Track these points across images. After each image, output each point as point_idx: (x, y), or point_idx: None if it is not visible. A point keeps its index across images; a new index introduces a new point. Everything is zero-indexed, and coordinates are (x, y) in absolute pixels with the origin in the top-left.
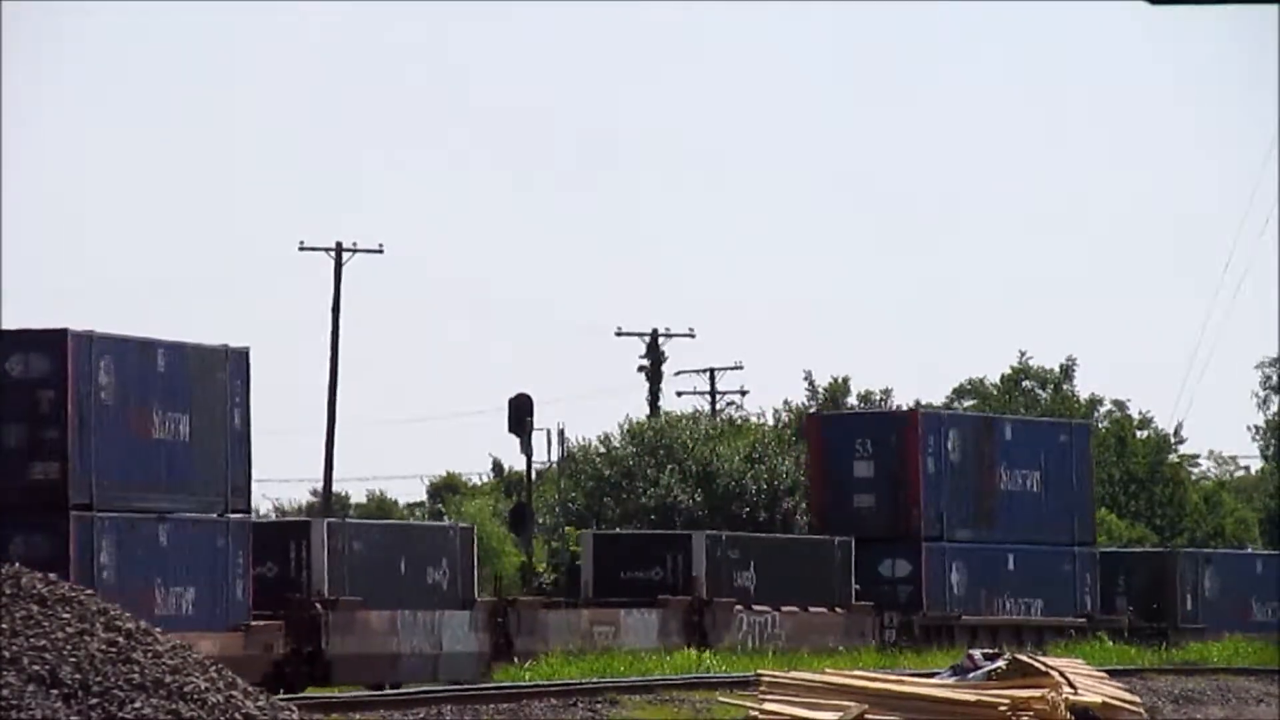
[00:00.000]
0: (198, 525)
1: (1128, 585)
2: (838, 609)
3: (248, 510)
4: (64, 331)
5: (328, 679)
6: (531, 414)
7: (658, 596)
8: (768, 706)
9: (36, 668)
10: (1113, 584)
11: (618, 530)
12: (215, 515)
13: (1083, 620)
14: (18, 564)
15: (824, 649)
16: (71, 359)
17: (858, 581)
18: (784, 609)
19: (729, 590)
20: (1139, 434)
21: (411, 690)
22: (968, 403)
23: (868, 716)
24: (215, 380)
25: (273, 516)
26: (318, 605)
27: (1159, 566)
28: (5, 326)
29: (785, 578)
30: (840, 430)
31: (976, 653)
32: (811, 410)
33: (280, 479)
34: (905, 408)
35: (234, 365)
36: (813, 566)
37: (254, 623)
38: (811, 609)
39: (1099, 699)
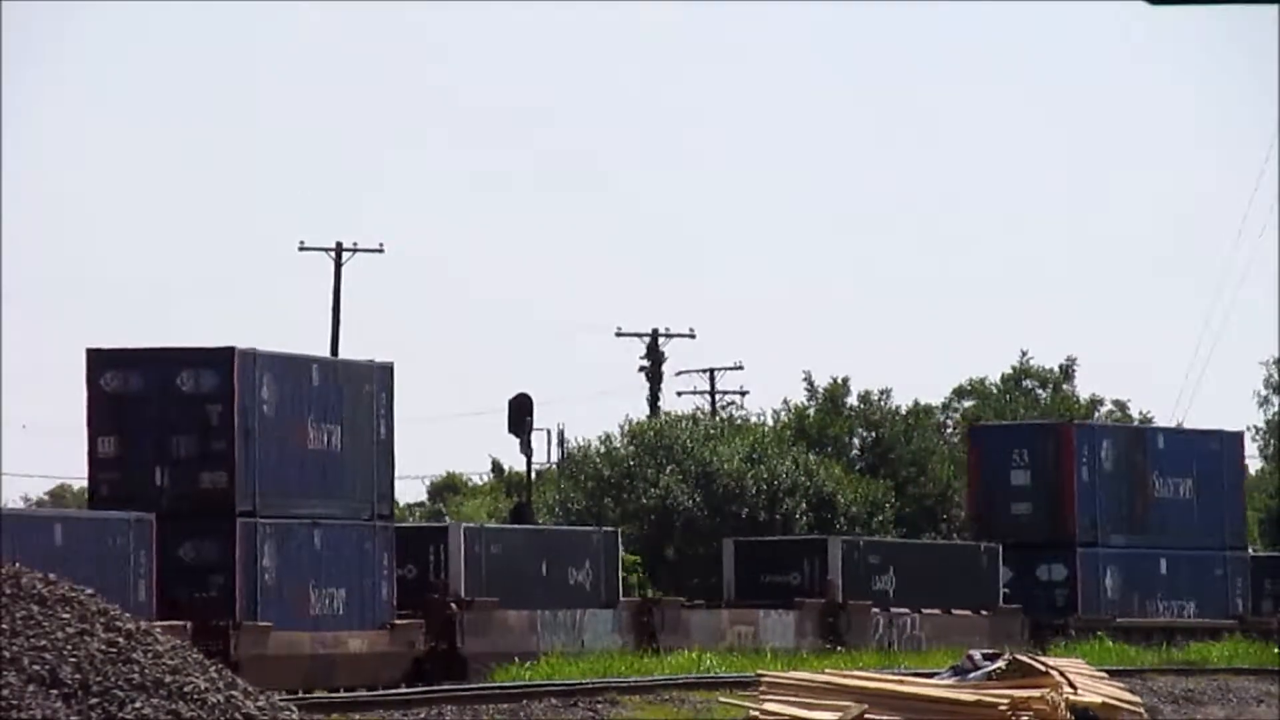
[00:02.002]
0: (347, 530)
1: (1274, 588)
2: (983, 611)
3: (391, 515)
4: (231, 350)
5: (464, 676)
6: (531, 414)
7: (794, 599)
8: (767, 706)
9: (36, 668)
10: (1261, 587)
11: (758, 537)
12: (363, 520)
13: (1233, 622)
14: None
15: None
16: (237, 375)
17: (1014, 585)
18: (924, 611)
19: (866, 593)
20: None
21: (412, 690)
22: (968, 403)
23: (867, 716)
24: (363, 393)
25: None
26: (453, 605)
27: None
28: (169, 344)
29: (927, 582)
30: (998, 440)
31: (976, 653)
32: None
33: None
34: (1057, 420)
35: (379, 378)
36: (957, 571)
37: (397, 622)
38: (954, 611)
39: (1099, 699)
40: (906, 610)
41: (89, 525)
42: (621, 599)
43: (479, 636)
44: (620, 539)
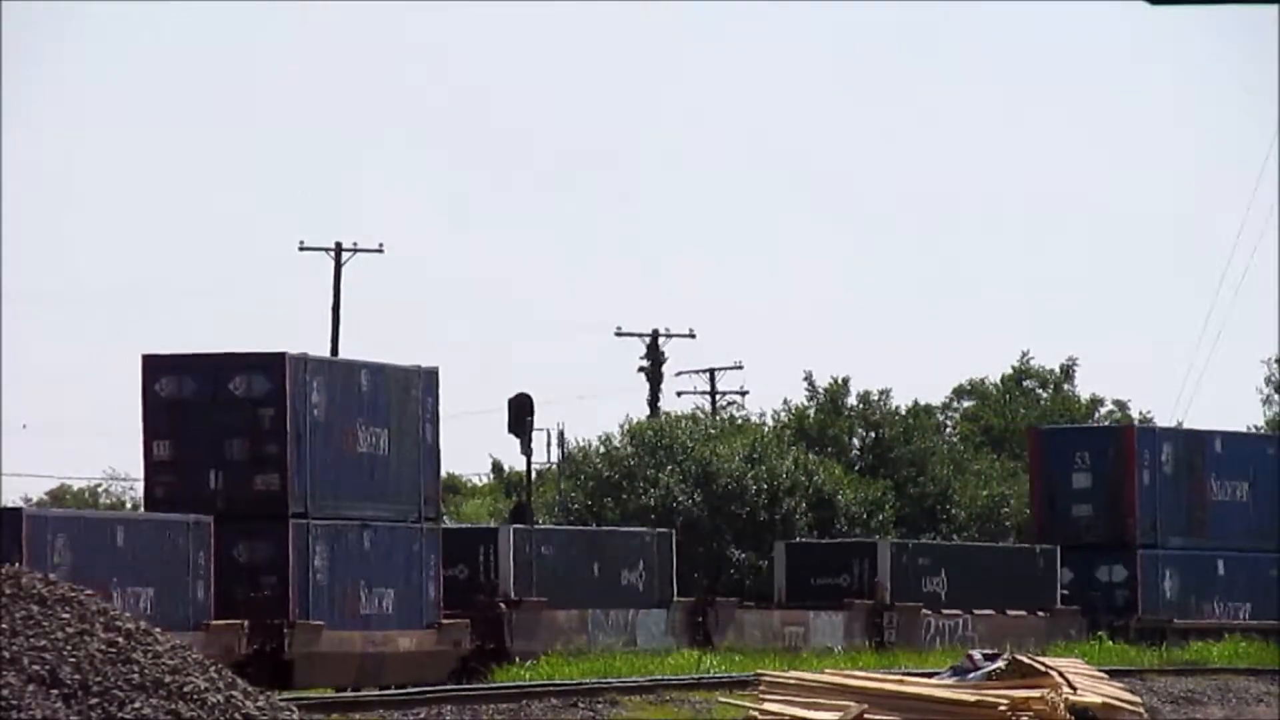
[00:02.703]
0: (395, 531)
1: None
2: (1040, 612)
3: (437, 517)
4: (282, 355)
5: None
6: (531, 414)
7: (843, 600)
8: (767, 706)
9: (36, 668)
10: None
11: (809, 540)
12: (410, 521)
13: None
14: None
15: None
16: (289, 380)
17: (1074, 586)
18: (978, 612)
19: (917, 595)
20: None
21: (412, 690)
22: (968, 403)
23: (867, 716)
24: (410, 397)
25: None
26: (501, 605)
27: None
28: (222, 350)
29: (981, 583)
30: (1060, 444)
31: (976, 653)
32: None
33: None
34: (1117, 422)
35: (426, 383)
36: (1013, 573)
37: (444, 621)
38: (1010, 612)
39: (1099, 699)
40: (958, 612)
41: (150, 527)
42: (675, 599)
43: (528, 636)
44: (674, 540)
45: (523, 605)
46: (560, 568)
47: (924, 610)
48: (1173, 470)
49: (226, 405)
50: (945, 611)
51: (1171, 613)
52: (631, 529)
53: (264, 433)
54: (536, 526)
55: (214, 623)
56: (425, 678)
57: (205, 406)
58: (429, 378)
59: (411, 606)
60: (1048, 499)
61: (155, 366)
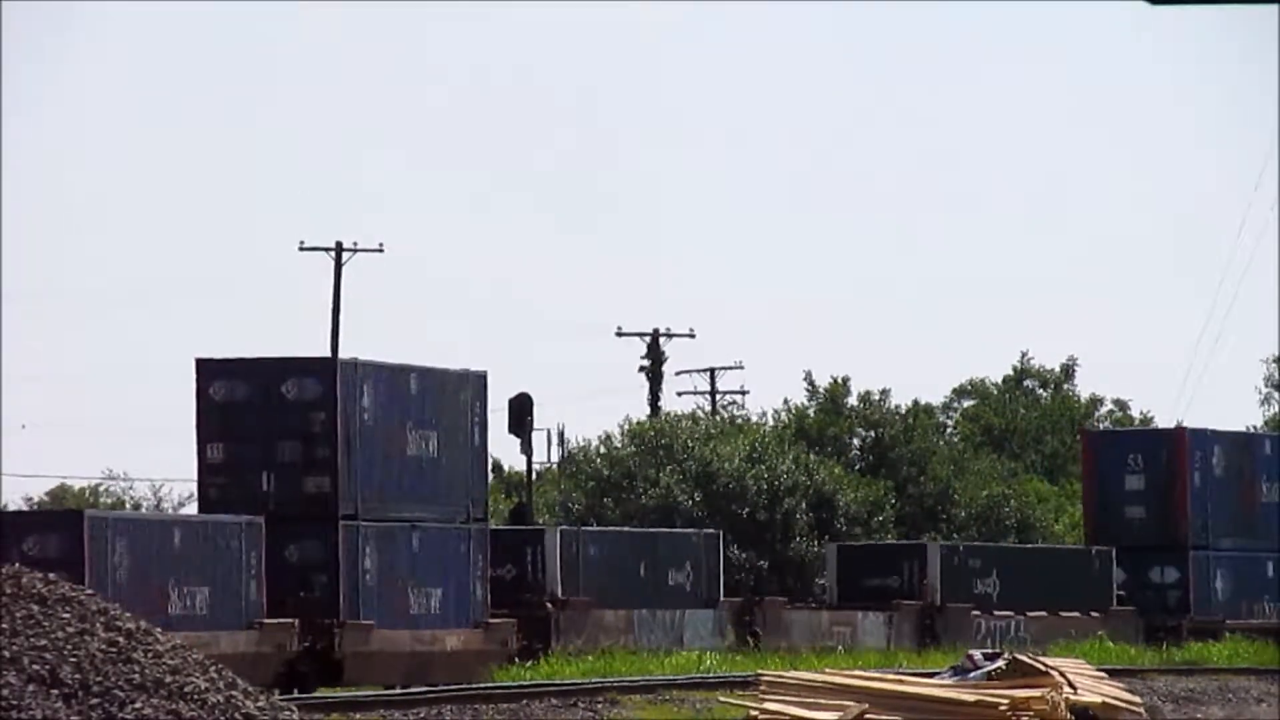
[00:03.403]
0: (444, 532)
1: None
2: (1094, 613)
3: (485, 518)
4: (333, 359)
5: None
6: (531, 414)
7: (892, 601)
8: (768, 706)
9: (37, 668)
10: None
11: (861, 542)
12: (459, 523)
13: None
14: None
15: None
16: (339, 383)
17: (1126, 587)
18: (1030, 614)
19: (967, 596)
20: None
21: (412, 690)
22: (968, 403)
23: (868, 716)
24: (459, 401)
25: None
26: (548, 604)
27: None
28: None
29: (1033, 585)
30: (1113, 446)
31: (976, 653)
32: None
33: None
34: (1167, 425)
35: (474, 387)
36: (1067, 574)
37: (491, 621)
38: (1063, 613)
39: (1099, 699)
40: (1010, 613)
41: (205, 528)
42: (723, 598)
43: (574, 635)
44: (722, 541)
45: (570, 605)
46: (608, 568)
47: (974, 611)
48: (1223, 472)
49: (278, 408)
50: (997, 613)
51: (1223, 613)
52: (680, 530)
53: (315, 436)
54: (583, 528)
55: (266, 621)
56: (472, 676)
57: (257, 410)
58: (478, 381)
59: (459, 606)
60: (1101, 501)
61: (208, 370)
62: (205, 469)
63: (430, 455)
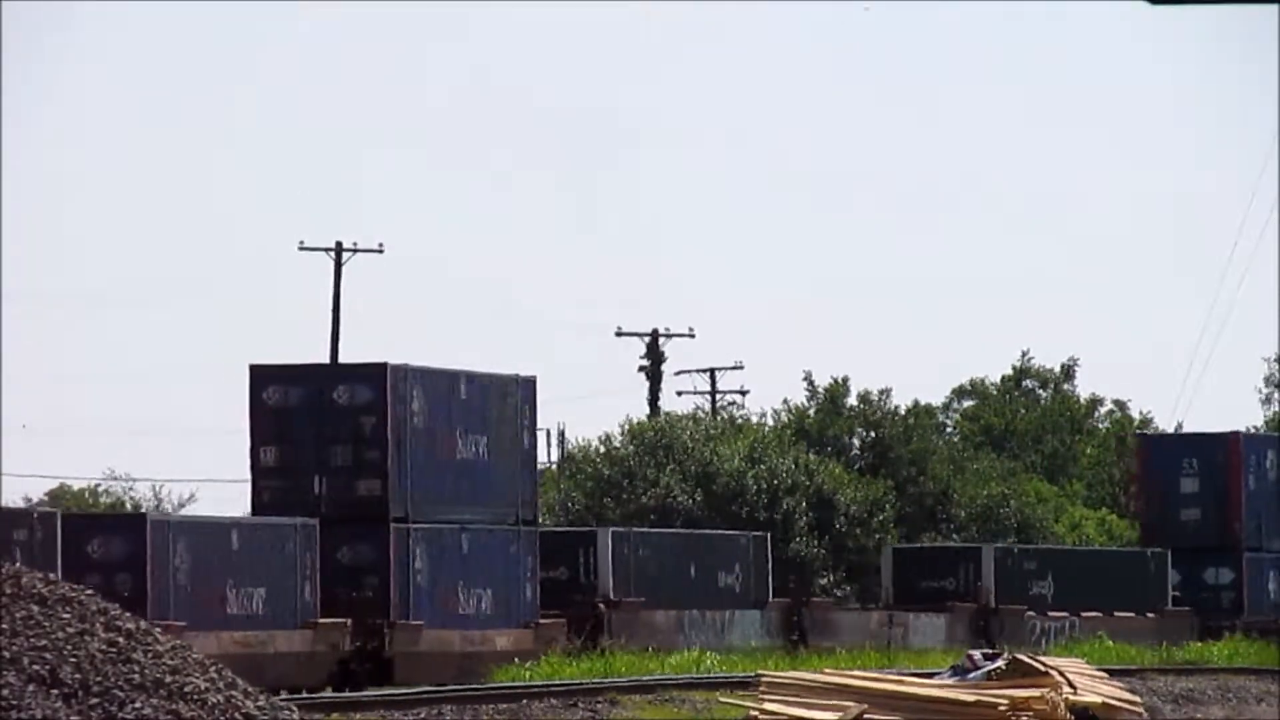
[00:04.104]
0: (494, 534)
1: None
2: (1149, 614)
3: (535, 521)
4: (384, 365)
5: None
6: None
7: (947, 603)
8: (768, 706)
9: (37, 668)
10: None
11: (917, 545)
12: (508, 525)
13: None
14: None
15: None
16: (390, 388)
17: (1180, 588)
18: (1084, 615)
19: (1022, 598)
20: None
21: (412, 690)
22: (968, 403)
23: (867, 716)
24: (508, 405)
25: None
26: (600, 605)
27: None
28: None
29: (1088, 586)
30: (1167, 450)
31: (976, 653)
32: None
33: None
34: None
35: (524, 391)
36: (1122, 575)
37: (541, 621)
38: (1118, 614)
39: (1099, 699)
40: (1065, 614)
41: (262, 530)
42: (771, 599)
43: (626, 635)
44: (769, 543)
45: (621, 606)
46: (658, 569)
47: (1029, 612)
48: (1277, 475)
49: (330, 413)
50: (1051, 614)
51: (1275, 614)
52: (728, 532)
53: (365, 439)
54: (633, 530)
55: (320, 621)
56: (523, 674)
57: (310, 414)
58: (527, 386)
59: (509, 607)
60: (1156, 504)
61: (262, 376)
62: (258, 472)
63: (480, 458)
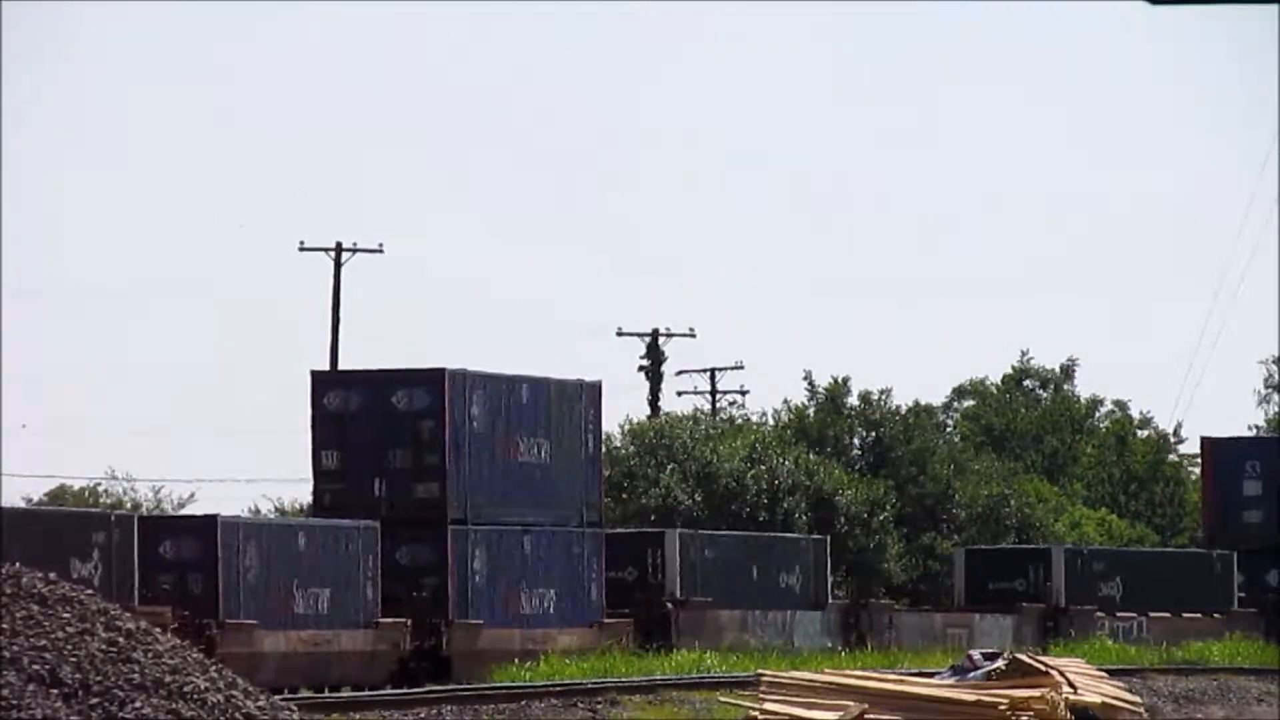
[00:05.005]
0: (557, 535)
1: None
2: (1215, 614)
3: (600, 522)
4: (442, 370)
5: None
6: None
7: (1016, 604)
8: (768, 706)
9: (37, 667)
10: None
11: (985, 546)
12: (572, 526)
13: None
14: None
15: None
16: (448, 394)
17: (1244, 589)
18: (1153, 615)
19: (1091, 598)
20: (1139, 434)
21: (412, 690)
22: (968, 403)
23: (868, 716)
24: (573, 409)
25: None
26: (669, 604)
27: None
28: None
29: (1156, 587)
30: (1231, 453)
31: (976, 653)
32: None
33: (280, 479)
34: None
35: (588, 396)
36: (1189, 576)
37: (606, 620)
38: (1185, 615)
39: (1099, 699)
40: (1133, 614)
41: (326, 532)
42: (831, 601)
43: (693, 634)
44: (829, 546)
45: (688, 605)
46: (722, 570)
47: (1097, 613)
48: None
49: (389, 418)
50: (1119, 614)
51: None
52: (790, 535)
53: (424, 443)
54: (699, 531)
55: (382, 621)
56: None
57: (369, 419)
58: (591, 391)
59: (573, 606)
60: (1220, 506)
61: (322, 381)
62: (319, 475)
63: (542, 461)
